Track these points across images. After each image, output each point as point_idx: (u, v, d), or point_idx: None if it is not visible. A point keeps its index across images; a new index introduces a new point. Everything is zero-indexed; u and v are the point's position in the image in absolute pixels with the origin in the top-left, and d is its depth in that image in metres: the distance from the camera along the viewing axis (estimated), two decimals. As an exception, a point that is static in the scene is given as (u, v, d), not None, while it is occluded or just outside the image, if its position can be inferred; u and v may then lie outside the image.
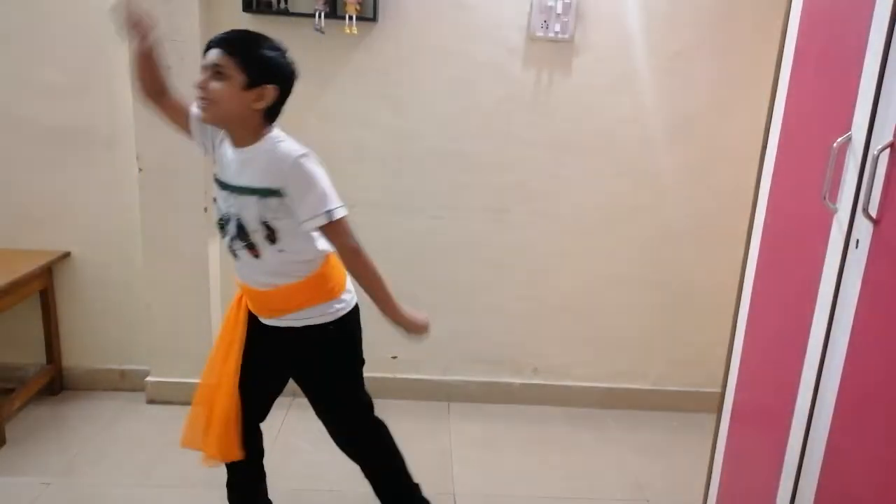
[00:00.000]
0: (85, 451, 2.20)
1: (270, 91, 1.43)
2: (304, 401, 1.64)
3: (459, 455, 2.30)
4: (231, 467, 1.70)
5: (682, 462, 2.31)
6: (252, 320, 1.60)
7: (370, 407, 1.68)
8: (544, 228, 2.52)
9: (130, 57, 1.52)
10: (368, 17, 2.27)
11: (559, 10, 2.30)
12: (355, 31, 2.24)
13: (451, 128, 2.42)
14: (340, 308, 1.56)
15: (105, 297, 2.54)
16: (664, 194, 2.49)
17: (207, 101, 1.41)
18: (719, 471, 1.78)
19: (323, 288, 1.53)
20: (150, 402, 2.52)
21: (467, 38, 2.34)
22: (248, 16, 2.27)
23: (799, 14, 1.49)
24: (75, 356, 2.59)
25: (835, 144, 1.27)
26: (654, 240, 2.54)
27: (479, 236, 2.52)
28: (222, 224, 1.51)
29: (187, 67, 2.23)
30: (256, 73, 1.41)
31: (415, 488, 1.77)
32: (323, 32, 2.24)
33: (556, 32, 2.32)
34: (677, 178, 2.47)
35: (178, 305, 2.43)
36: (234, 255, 1.52)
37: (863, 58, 1.22)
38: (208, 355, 1.66)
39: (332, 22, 2.25)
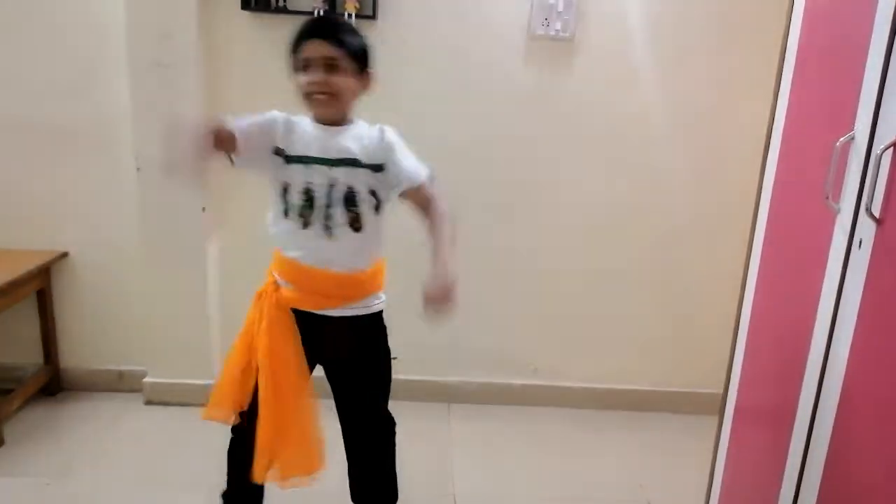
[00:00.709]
0: (83, 451, 2.20)
1: (373, 75, 1.50)
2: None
3: (459, 455, 2.29)
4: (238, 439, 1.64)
5: (682, 462, 2.30)
6: (299, 323, 1.51)
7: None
8: (544, 228, 2.51)
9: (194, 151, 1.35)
10: (368, 14, 2.26)
11: (560, 8, 2.29)
12: (354, 30, 2.23)
13: (450, 126, 2.41)
14: (384, 299, 1.60)
15: (103, 298, 2.53)
16: (665, 194, 2.49)
17: (329, 95, 1.42)
18: (721, 471, 1.77)
19: (383, 273, 1.59)
20: (148, 402, 2.51)
21: (467, 35, 2.33)
22: (246, 14, 2.27)
23: (801, 13, 1.48)
24: (73, 357, 2.58)
25: (837, 144, 1.26)
26: (654, 240, 2.53)
27: (478, 236, 2.51)
28: (308, 201, 1.44)
29: (186, 66, 2.23)
30: (362, 60, 1.46)
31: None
32: (322, 31, 2.23)
33: (557, 31, 2.31)
34: (678, 177, 2.47)
35: (177, 306, 2.42)
36: (330, 230, 1.45)
37: (865, 56, 1.21)
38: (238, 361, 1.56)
39: (332, 20, 2.24)
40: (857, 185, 1.23)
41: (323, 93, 1.41)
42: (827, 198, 1.29)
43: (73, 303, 2.53)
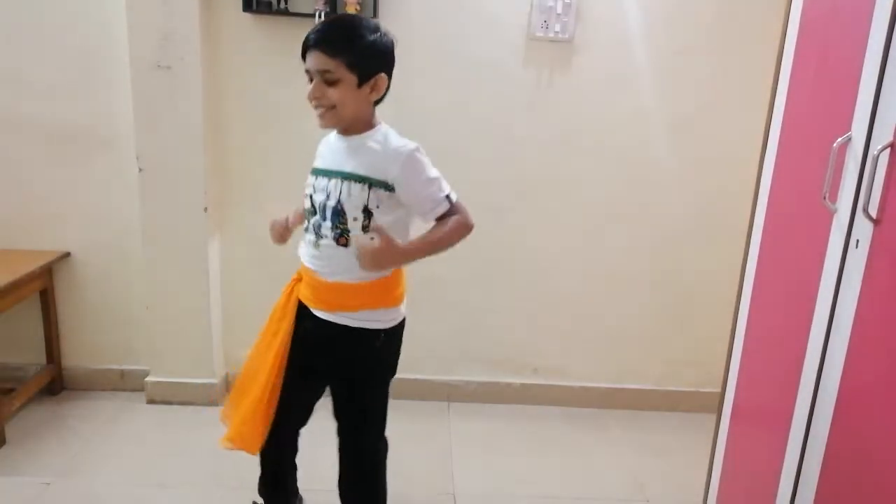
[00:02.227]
0: (85, 450, 2.20)
1: (382, 79, 1.43)
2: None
3: (459, 455, 2.30)
4: (263, 458, 1.67)
5: (682, 462, 2.31)
6: (300, 314, 1.53)
7: (385, 424, 1.63)
8: (544, 228, 2.52)
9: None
10: (368, 16, 2.27)
11: (559, 10, 2.30)
12: (355, 31, 2.24)
13: (450, 127, 2.41)
14: (396, 318, 1.53)
15: (105, 297, 2.54)
16: (664, 194, 2.49)
17: (325, 108, 1.39)
18: (719, 471, 1.78)
19: (390, 294, 1.50)
20: (150, 402, 2.52)
21: (467, 37, 2.34)
22: (248, 16, 2.27)
23: (799, 14, 1.49)
24: (75, 356, 2.59)
25: (835, 144, 1.27)
26: (654, 240, 2.54)
27: (478, 236, 2.49)
28: (311, 208, 1.48)
29: (187, 67, 2.24)
30: (365, 68, 1.38)
31: None
32: (323, 32, 2.24)
33: (556, 32, 2.32)
34: (677, 177, 2.47)
35: (178, 305, 2.43)
36: (318, 239, 1.47)
37: (863, 57, 1.22)
38: (254, 343, 1.62)
39: (333, 22, 2.24)
40: (854, 186, 1.23)
41: (320, 106, 1.39)
42: (824, 198, 1.30)
43: (76, 303, 2.54)
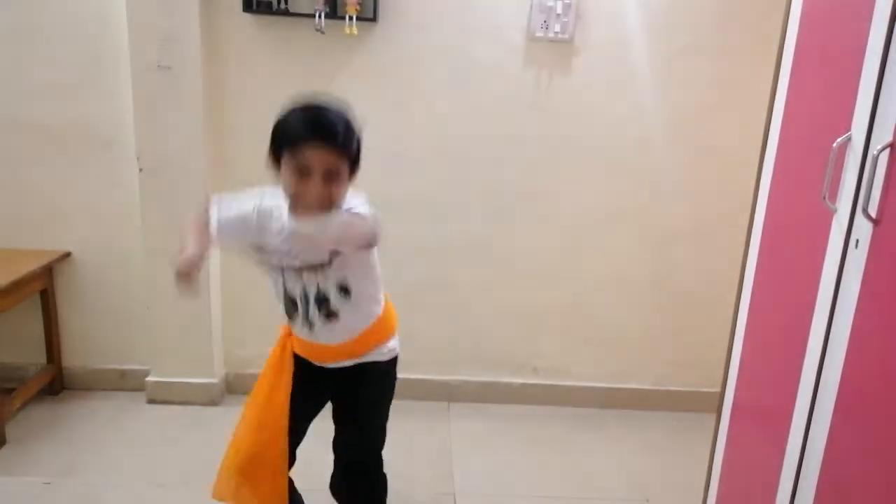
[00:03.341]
0: (85, 450, 2.20)
1: (357, 171, 1.36)
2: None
3: (459, 455, 2.30)
4: None
5: (682, 462, 2.31)
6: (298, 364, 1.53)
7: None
8: (544, 228, 2.52)
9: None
10: (368, 17, 2.27)
11: (559, 11, 2.30)
12: (355, 32, 2.24)
13: (450, 128, 2.42)
14: (396, 345, 1.57)
15: (105, 297, 2.54)
16: (664, 194, 2.49)
17: (329, 204, 1.29)
18: (719, 470, 1.78)
19: (389, 323, 1.55)
20: (151, 401, 2.52)
21: (467, 38, 2.34)
22: (248, 16, 2.28)
23: (798, 14, 1.49)
24: (75, 356, 2.59)
25: (834, 144, 1.27)
26: (653, 240, 2.54)
27: (478, 236, 2.52)
28: (294, 305, 1.45)
29: (187, 68, 2.25)
30: (358, 160, 1.35)
31: None
32: (323, 33, 2.24)
33: (556, 32, 2.32)
34: (677, 178, 2.47)
35: (178, 305, 2.42)
36: (311, 326, 1.46)
37: (863, 57, 1.22)
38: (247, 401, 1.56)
39: (333, 22, 2.25)
40: (854, 186, 1.23)
41: (322, 204, 1.29)
42: (824, 198, 1.30)
43: (76, 302, 2.54)
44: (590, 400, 2.67)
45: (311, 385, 1.54)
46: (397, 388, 1.66)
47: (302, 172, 1.28)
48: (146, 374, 2.54)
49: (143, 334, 2.52)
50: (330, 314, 1.44)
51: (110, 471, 2.11)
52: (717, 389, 1.79)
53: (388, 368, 1.58)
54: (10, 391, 2.31)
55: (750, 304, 1.65)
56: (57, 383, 2.55)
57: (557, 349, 2.65)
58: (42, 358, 2.54)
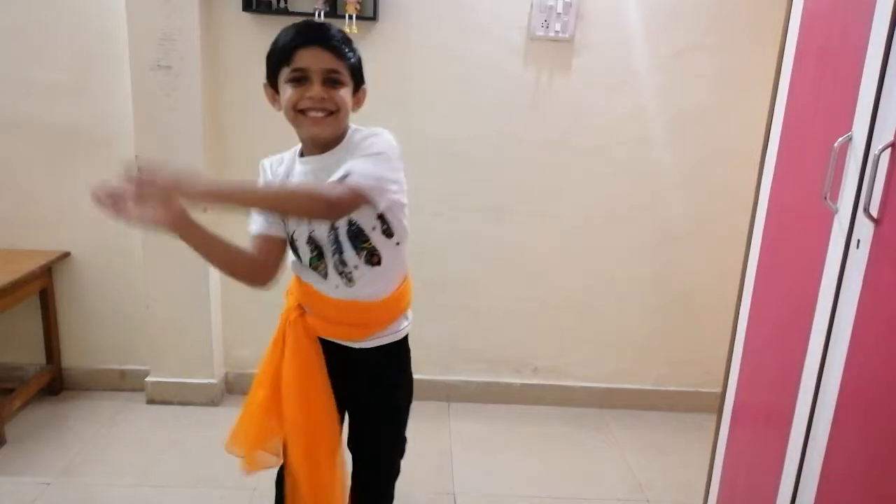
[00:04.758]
0: (85, 451, 2.20)
1: (365, 93, 1.32)
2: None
3: (459, 455, 2.30)
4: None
5: (682, 462, 2.30)
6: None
7: None
8: (544, 228, 2.52)
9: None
10: (368, 16, 2.27)
11: (559, 10, 2.29)
12: (355, 31, 2.24)
13: (450, 127, 2.41)
14: (411, 319, 1.45)
15: (105, 297, 2.54)
16: (664, 194, 2.49)
17: (330, 113, 1.23)
18: (720, 471, 1.77)
19: (409, 295, 1.42)
20: (150, 401, 2.52)
21: (467, 37, 2.34)
22: (247, 15, 2.27)
23: (799, 13, 1.49)
24: (75, 356, 2.58)
25: (836, 144, 1.26)
26: (654, 240, 2.54)
27: (479, 236, 2.52)
28: (316, 251, 1.31)
29: (187, 67, 2.24)
30: (360, 76, 1.29)
31: None
32: (323, 32, 2.24)
33: (557, 32, 2.32)
34: (677, 177, 2.47)
35: (178, 305, 2.43)
36: (350, 278, 1.31)
37: (864, 57, 1.22)
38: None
39: (332, 21, 2.23)
40: (855, 186, 1.23)
41: (323, 109, 1.23)
42: (825, 198, 1.30)
43: (75, 302, 2.54)
44: (590, 400, 2.66)
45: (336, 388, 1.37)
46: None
47: (299, 80, 1.23)
48: (146, 374, 2.53)
49: (142, 334, 2.52)
50: (371, 255, 1.29)
51: (110, 471, 2.10)
52: (718, 389, 1.79)
53: (403, 344, 1.43)
54: (9, 391, 2.30)
55: (751, 304, 1.64)
56: (56, 383, 2.55)
57: (557, 349, 2.65)
58: (41, 358, 2.53)
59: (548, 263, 2.56)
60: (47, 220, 2.45)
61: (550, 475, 2.22)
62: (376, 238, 1.29)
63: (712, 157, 2.45)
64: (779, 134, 1.55)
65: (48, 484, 2.01)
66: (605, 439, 2.47)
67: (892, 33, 1.15)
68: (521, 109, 2.42)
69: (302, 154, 1.34)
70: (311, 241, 1.31)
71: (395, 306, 1.38)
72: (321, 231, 1.29)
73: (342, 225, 1.28)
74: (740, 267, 1.69)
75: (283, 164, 1.36)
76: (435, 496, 2.07)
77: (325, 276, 1.33)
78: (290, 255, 1.38)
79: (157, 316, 2.45)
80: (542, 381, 2.67)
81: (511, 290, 2.58)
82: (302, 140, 1.33)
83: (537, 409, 2.64)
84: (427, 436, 2.40)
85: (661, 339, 2.64)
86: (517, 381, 2.67)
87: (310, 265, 1.33)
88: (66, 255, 2.47)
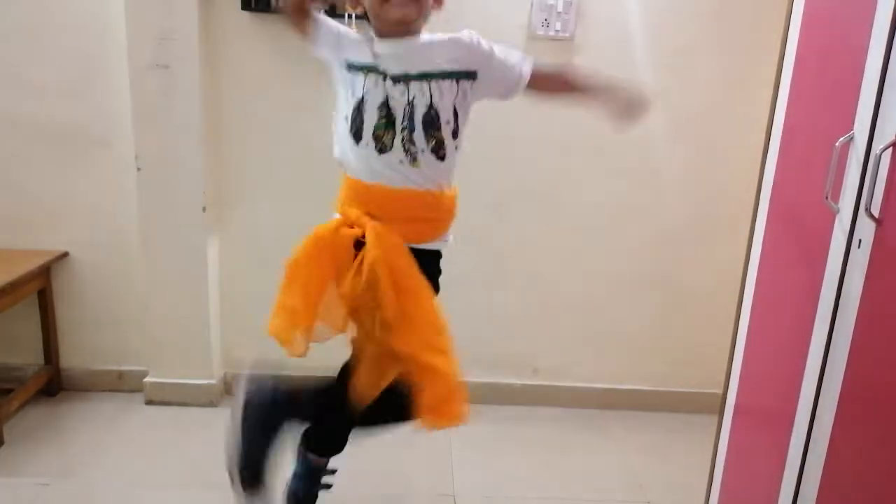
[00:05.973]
0: (83, 451, 2.19)
1: None
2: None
3: (459, 455, 2.29)
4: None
5: (683, 462, 2.30)
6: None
7: None
8: (544, 228, 2.51)
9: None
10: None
11: (560, 9, 2.29)
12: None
13: (450, 127, 2.41)
14: (451, 240, 1.50)
15: (103, 298, 2.53)
16: (664, 194, 2.48)
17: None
18: (721, 472, 1.77)
19: (455, 210, 1.48)
20: (149, 402, 2.51)
21: (467, 36, 2.33)
22: (247, 14, 2.26)
23: (800, 12, 1.48)
24: (73, 357, 2.58)
25: (837, 144, 1.26)
26: (654, 240, 2.53)
27: (478, 236, 2.51)
28: (386, 119, 1.31)
29: (186, 66, 2.24)
30: None
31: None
32: (322, 31, 2.23)
33: (557, 31, 2.31)
34: (678, 177, 2.46)
35: (177, 306, 2.42)
36: (415, 157, 1.32)
37: (865, 56, 1.21)
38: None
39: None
40: (857, 186, 1.23)
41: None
42: (826, 198, 1.29)
43: (74, 303, 2.53)
44: (590, 401, 2.66)
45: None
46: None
47: None
48: (144, 374, 2.53)
49: (141, 335, 2.51)
50: (439, 147, 1.33)
51: (108, 472, 2.10)
52: (719, 390, 1.78)
53: (440, 258, 1.50)
54: (7, 392, 2.30)
55: (752, 305, 1.64)
56: (54, 384, 2.54)
57: (557, 350, 2.64)
58: (40, 359, 2.53)
59: (548, 263, 2.55)
60: (45, 219, 2.45)
61: (551, 476, 2.21)
62: (446, 133, 1.33)
63: (713, 157, 2.45)
64: (780, 134, 1.54)
65: (46, 485, 2.01)
66: (605, 440, 2.46)
67: (893, 32, 1.15)
68: (520, 109, 2.40)
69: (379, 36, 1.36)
70: (385, 108, 1.32)
71: (449, 208, 1.42)
72: (399, 101, 1.31)
73: (421, 105, 1.31)
74: (741, 267, 1.69)
75: (353, 37, 1.40)
76: (435, 497, 2.06)
77: (387, 148, 1.32)
78: (339, 139, 1.37)
79: (156, 316, 2.44)
80: (542, 382, 2.66)
81: (511, 290, 2.57)
82: (380, 28, 1.36)
83: (537, 409, 2.64)
84: (427, 436, 2.39)
85: (662, 340, 2.63)
86: (517, 381, 2.66)
87: (373, 133, 1.32)
88: (65, 255, 2.47)
